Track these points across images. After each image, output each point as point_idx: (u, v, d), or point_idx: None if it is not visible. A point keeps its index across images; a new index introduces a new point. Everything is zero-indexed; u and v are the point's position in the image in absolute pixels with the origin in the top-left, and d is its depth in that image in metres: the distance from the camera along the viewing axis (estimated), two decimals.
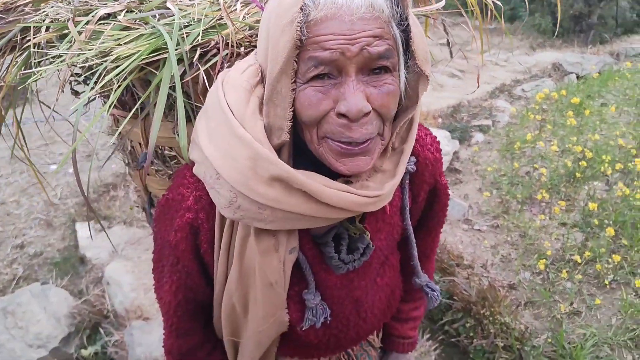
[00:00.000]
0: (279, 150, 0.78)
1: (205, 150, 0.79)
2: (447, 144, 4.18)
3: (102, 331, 2.88)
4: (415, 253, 1.03)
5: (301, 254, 0.88)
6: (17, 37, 1.11)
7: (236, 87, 0.78)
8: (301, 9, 0.68)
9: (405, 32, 0.75)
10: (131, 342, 2.64)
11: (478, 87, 1.32)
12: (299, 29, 0.68)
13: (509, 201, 3.60)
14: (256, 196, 0.76)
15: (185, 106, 0.91)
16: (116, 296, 3.01)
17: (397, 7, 0.73)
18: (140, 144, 1.10)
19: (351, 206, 0.80)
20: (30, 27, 1.07)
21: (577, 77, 6.13)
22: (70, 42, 0.96)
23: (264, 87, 0.77)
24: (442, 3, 1.02)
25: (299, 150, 0.81)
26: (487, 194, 3.65)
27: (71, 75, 1.03)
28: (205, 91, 0.89)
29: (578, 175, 3.53)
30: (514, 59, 7.98)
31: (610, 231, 2.82)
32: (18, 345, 2.81)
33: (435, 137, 1.03)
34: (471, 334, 2.65)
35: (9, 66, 1.17)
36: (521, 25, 10.00)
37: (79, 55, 0.88)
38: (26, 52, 1.07)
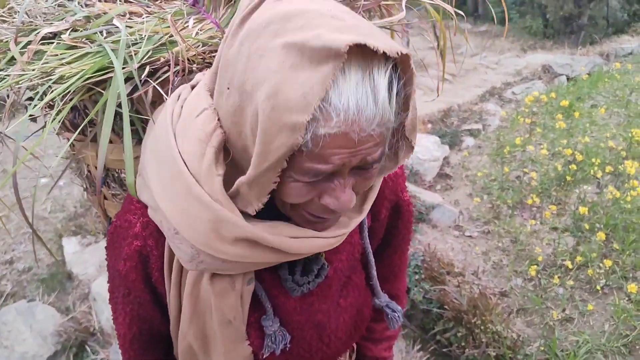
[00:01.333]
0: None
1: (160, 202, 0.74)
2: (437, 149, 4.15)
3: (88, 349, 2.83)
4: (374, 273, 0.99)
5: (256, 281, 0.84)
6: None
7: (190, 137, 0.71)
8: (308, 122, 0.59)
9: (402, 116, 0.69)
10: None
11: (438, 96, 1.27)
12: (302, 141, 0.60)
13: (499, 206, 3.58)
14: (220, 254, 0.72)
15: (138, 128, 0.87)
16: (102, 313, 2.96)
17: (401, 103, 0.66)
18: (96, 167, 1.05)
19: (319, 249, 0.79)
20: None
21: (567, 79, 6.13)
22: (12, 63, 0.92)
23: (221, 133, 0.70)
24: (403, 14, 0.98)
25: None
26: (478, 200, 3.62)
27: (28, 99, 0.99)
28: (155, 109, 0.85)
29: (569, 178, 3.51)
30: (505, 61, 8.00)
31: (601, 235, 2.79)
32: None
33: None
34: (463, 344, 2.61)
35: None
36: (512, 28, 10.03)
37: (21, 76, 0.83)
38: None
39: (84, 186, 1.24)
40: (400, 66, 0.63)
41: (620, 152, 3.78)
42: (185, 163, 0.71)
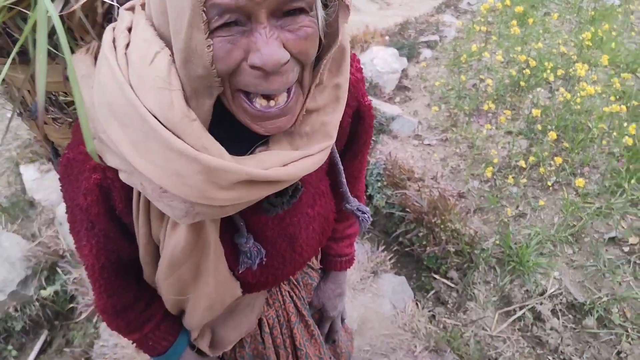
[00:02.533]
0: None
1: (138, 166, 0.68)
2: (395, 61, 4.16)
3: (59, 271, 2.85)
4: (344, 180, 1.00)
5: None
6: None
7: (150, 88, 0.66)
8: None
9: None
10: None
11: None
12: None
13: (457, 114, 3.67)
14: (216, 202, 0.69)
15: (71, 47, 0.80)
16: (70, 236, 2.97)
17: None
18: (29, 91, 1.00)
19: (310, 169, 0.77)
20: None
21: None
22: None
23: (178, 76, 0.66)
24: None
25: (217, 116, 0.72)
26: (436, 109, 3.70)
27: None
28: (92, 22, 0.80)
29: (522, 84, 3.60)
30: None
31: (552, 135, 2.92)
32: None
33: (355, 56, 0.96)
34: (424, 243, 2.76)
35: None
36: None
37: None
38: None
39: (18, 111, 1.17)
40: None
41: (572, 57, 3.88)
42: (155, 118, 0.66)
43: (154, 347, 1.05)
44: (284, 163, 0.73)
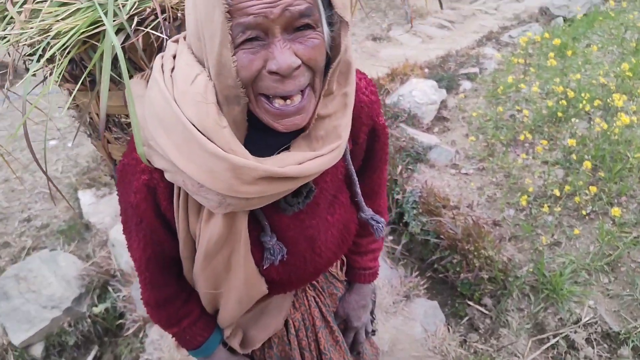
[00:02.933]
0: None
1: (180, 165, 0.83)
2: (434, 93, 4.26)
3: (110, 289, 3.05)
4: (358, 190, 1.12)
5: None
6: None
7: (190, 103, 0.82)
8: None
9: None
10: (138, 296, 2.80)
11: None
12: (224, 1, 0.73)
13: (494, 144, 3.72)
14: (243, 195, 0.84)
15: (133, 75, 0.97)
16: (122, 256, 3.18)
17: None
18: (97, 115, 1.16)
19: (322, 167, 0.91)
20: None
21: (564, 20, 6.14)
22: (11, 23, 1.01)
23: (212, 86, 0.81)
24: None
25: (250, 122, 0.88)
26: (473, 139, 3.77)
27: (27, 55, 1.08)
28: (149, 55, 0.96)
29: (560, 114, 3.63)
30: (504, 6, 7.96)
31: (588, 164, 2.94)
32: (33, 307, 2.99)
33: (371, 81, 1.10)
34: (458, 269, 2.81)
35: None
36: None
37: (21, 34, 0.92)
38: None
39: (88, 132, 1.35)
40: None
41: (611, 88, 3.88)
42: (194, 126, 0.81)
43: (190, 341, 1.19)
44: (299, 162, 0.87)
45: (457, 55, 5.34)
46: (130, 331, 2.68)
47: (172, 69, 0.88)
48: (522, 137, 3.47)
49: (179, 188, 0.94)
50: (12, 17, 1.01)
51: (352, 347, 1.50)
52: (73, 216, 3.94)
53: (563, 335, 2.52)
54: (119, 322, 2.92)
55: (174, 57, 0.90)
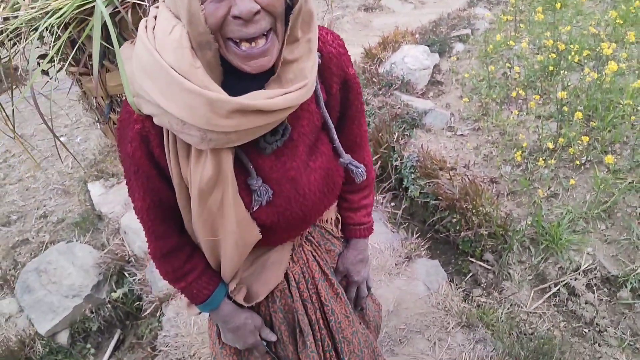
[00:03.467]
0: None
1: (164, 105, 0.94)
2: (426, 58, 4.28)
3: (126, 274, 3.17)
4: (335, 136, 1.20)
5: (237, 148, 1.06)
6: None
7: (168, 49, 0.93)
8: None
9: None
10: (153, 278, 2.93)
11: None
12: None
13: (488, 103, 3.76)
14: (221, 128, 0.94)
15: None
16: (134, 242, 3.29)
17: None
18: (102, 97, 1.26)
19: (292, 102, 0.99)
20: None
21: None
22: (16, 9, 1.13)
23: (186, 33, 0.92)
24: None
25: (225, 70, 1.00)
26: (467, 100, 3.80)
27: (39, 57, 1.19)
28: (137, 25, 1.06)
29: (551, 68, 3.65)
30: None
31: (579, 115, 2.97)
32: (55, 297, 3.12)
33: (338, 36, 1.19)
34: (458, 228, 2.88)
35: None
36: None
37: (24, 16, 1.04)
38: None
39: (96, 118, 1.45)
40: None
41: (602, 37, 3.88)
42: (173, 69, 0.92)
43: (197, 295, 1.27)
44: (269, 97, 0.97)
45: (449, 18, 5.33)
46: (148, 312, 2.80)
47: (154, 27, 0.99)
48: (514, 94, 3.50)
49: (168, 133, 1.03)
50: (20, 6, 1.13)
51: (355, 302, 1.58)
52: (86, 208, 4.06)
53: (564, 283, 2.60)
54: (137, 304, 3.05)
55: (155, 17, 1.01)
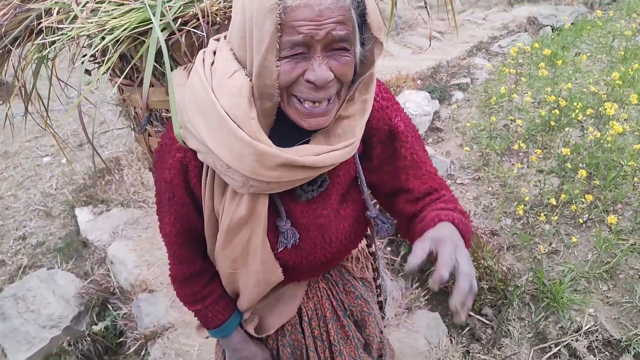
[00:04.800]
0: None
1: (212, 147, 0.95)
2: (427, 104, 4.30)
3: (110, 307, 3.04)
4: (365, 189, 1.16)
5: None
6: (34, 22, 1.29)
7: (226, 94, 0.94)
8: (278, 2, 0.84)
9: (362, 9, 0.92)
10: (139, 313, 2.81)
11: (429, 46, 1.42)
12: (278, 15, 0.84)
13: (488, 154, 3.75)
14: (264, 178, 0.96)
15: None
16: (121, 274, 3.16)
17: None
18: (142, 109, 1.26)
19: (337, 160, 1.01)
20: (42, 13, 1.25)
21: (552, 29, 6.23)
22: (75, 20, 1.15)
23: (248, 83, 0.92)
24: None
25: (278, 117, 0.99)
26: (468, 149, 3.80)
27: (84, 56, 1.20)
28: (191, 55, 1.07)
29: (553, 123, 3.68)
30: (492, 16, 8.06)
31: (583, 173, 2.97)
32: (32, 327, 2.97)
33: (385, 87, 1.18)
34: None
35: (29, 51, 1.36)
36: None
37: (80, 29, 1.03)
38: (41, 35, 1.26)
39: (132, 126, 1.47)
40: None
41: (602, 96, 3.94)
42: (227, 114, 0.93)
43: (212, 319, 1.28)
44: (316, 153, 0.98)
45: (448, 66, 5.40)
46: (132, 349, 2.67)
47: (212, 63, 0.99)
48: (516, 147, 3.51)
49: (208, 168, 1.04)
50: (75, 16, 1.16)
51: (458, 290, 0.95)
52: (69, 233, 3.92)
53: (565, 343, 2.53)
54: (120, 340, 2.90)
55: (214, 52, 1.01)
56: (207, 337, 1.38)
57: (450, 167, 3.72)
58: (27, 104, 1.54)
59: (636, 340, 2.42)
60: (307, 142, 1.02)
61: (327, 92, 0.92)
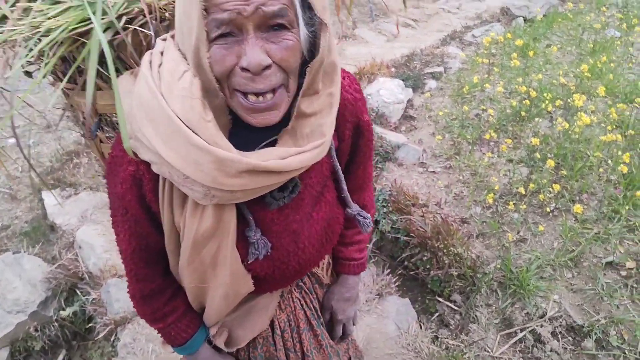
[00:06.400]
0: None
1: (166, 156, 0.85)
2: (400, 92, 4.31)
3: (78, 292, 2.98)
4: (344, 186, 1.14)
5: None
6: None
7: (176, 97, 0.84)
8: None
9: None
10: (109, 298, 2.77)
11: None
12: None
13: (460, 143, 3.80)
14: (227, 187, 0.86)
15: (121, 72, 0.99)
16: (89, 258, 3.11)
17: None
18: (86, 116, 1.17)
19: (305, 163, 0.92)
20: None
21: (525, 20, 6.30)
22: (3, 21, 1.03)
23: (198, 82, 0.84)
24: None
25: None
26: (440, 137, 3.84)
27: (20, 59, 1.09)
28: (139, 55, 0.97)
29: (523, 114, 3.74)
30: (466, 5, 8.10)
31: (551, 163, 3.04)
32: None
33: (355, 79, 1.11)
34: (428, 266, 2.86)
35: None
36: None
37: (13, 31, 0.94)
38: None
39: (81, 132, 1.36)
40: None
41: (571, 88, 4.01)
42: (179, 119, 0.83)
43: (175, 337, 1.20)
44: (282, 157, 0.89)
45: (422, 54, 5.42)
46: (101, 335, 2.63)
47: (160, 65, 0.90)
48: (487, 136, 3.55)
49: (164, 180, 0.95)
50: (4, 16, 1.03)
51: (341, 339, 1.49)
52: (36, 217, 3.83)
53: (530, 329, 2.60)
54: (89, 325, 2.86)
55: (162, 53, 0.92)
56: (173, 352, 1.28)
57: (422, 155, 3.75)
58: None
59: (598, 326, 2.50)
60: (271, 144, 0.94)
61: (267, 82, 0.82)
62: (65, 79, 1.02)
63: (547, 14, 6.23)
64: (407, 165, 3.66)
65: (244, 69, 0.81)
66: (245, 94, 0.84)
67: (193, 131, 0.83)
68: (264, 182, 0.90)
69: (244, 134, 0.90)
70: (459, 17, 7.39)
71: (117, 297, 2.77)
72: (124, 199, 0.98)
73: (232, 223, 0.98)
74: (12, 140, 5.00)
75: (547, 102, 3.71)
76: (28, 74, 1.27)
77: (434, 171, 3.62)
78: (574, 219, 2.98)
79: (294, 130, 0.93)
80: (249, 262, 1.04)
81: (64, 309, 2.98)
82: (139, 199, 0.98)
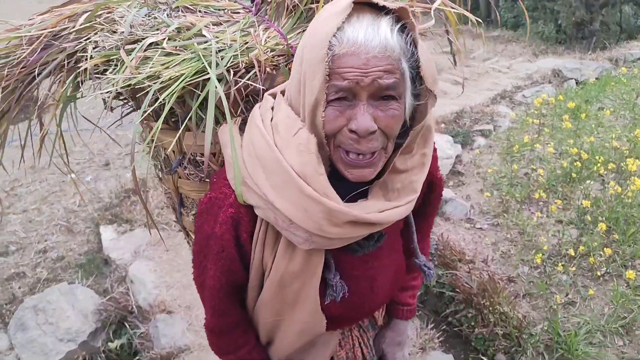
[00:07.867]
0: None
1: (276, 204, 0.94)
2: (450, 148, 4.37)
3: (127, 325, 3.08)
4: (415, 238, 1.22)
5: None
6: (64, 61, 1.28)
7: (293, 151, 0.93)
8: (329, 48, 0.86)
9: (415, 61, 0.91)
10: (156, 333, 2.85)
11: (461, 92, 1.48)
12: (327, 66, 0.86)
13: (508, 201, 3.79)
14: (329, 235, 0.95)
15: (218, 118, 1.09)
16: (140, 293, 3.22)
17: (408, 45, 0.90)
18: (173, 151, 1.27)
19: (399, 217, 1.01)
20: (74, 52, 1.26)
21: (577, 83, 6.31)
22: (118, 66, 1.14)
23: (314, 138, 0.92)
24: (432, 22, 1.17)
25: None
26: (488, 195, 3.84)
27: (116, 97, 1.20)
28: (234, 104, 1.08)
29: (574, 175, 3.72)
30: (516, 66, 8.18)
31: (602, 226, 3.00)
32: (49, 339, 3.01)
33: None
34: (472, 324, 2.83)
35: (51, 85, 1.36)
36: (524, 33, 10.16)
37: (130, 78, 1.05)
38: (72, 74, 1.25)
39: (159, 167, 1.46)
40: (403, 19, 0.90)
41: (624, 152, 3.98)
42: (294, 171, 0.93)
43: None
44: (381, 210, 0.99)
45: (472, 112, 5.49)
46: None
47: (271, 119, 1.00)
48: (536, 196, 3.55)
49: (261, 223, 1.04)
50: (118, 59, 1.13)
51: None
52: (90, 250, 3.99)
53: None
54: (135, 359, 2.94)
55: (272, 108, 1.02)
56: None
57: (470, 211, 3.76)
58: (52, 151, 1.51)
59: None
60: (360, 194, 1.02)
61: (369, 145, 0.91)
62: (183, 125, 1.11)
63: (599, 77, 6.22)
64: (454, 220, 3.67)
65: (352, 131, 0.89)
66: (347, 152, 0.93)
67: (306, 182, 0.92)
68: (361, 232, 0.99)
69: (335, 183, 0.97)
70: (509, 76, 7.47)
71: (165, 332, 2.85)
72: (222, 238, 1.06)
73: (320, 267, 1.06)
74: (72, 176, 5.29)
75: (599, 164, 3.68)
76: (112, 109, 1.39)
77: (481, 227, 3.62)
78: (626, 284, 2.91)
79: (385, 183, 1.02)
80: (325, 303, 1.11)
81: (112, 341, 3.08)
82: (235, 239, 1.06)
